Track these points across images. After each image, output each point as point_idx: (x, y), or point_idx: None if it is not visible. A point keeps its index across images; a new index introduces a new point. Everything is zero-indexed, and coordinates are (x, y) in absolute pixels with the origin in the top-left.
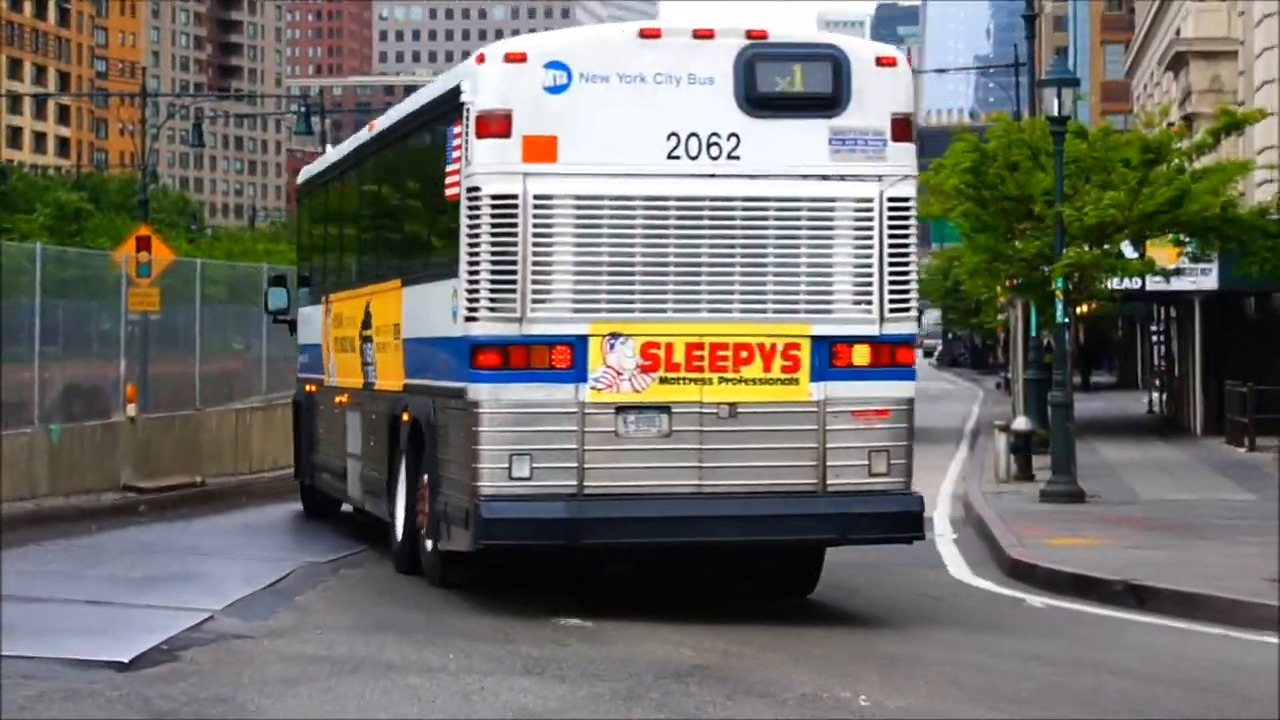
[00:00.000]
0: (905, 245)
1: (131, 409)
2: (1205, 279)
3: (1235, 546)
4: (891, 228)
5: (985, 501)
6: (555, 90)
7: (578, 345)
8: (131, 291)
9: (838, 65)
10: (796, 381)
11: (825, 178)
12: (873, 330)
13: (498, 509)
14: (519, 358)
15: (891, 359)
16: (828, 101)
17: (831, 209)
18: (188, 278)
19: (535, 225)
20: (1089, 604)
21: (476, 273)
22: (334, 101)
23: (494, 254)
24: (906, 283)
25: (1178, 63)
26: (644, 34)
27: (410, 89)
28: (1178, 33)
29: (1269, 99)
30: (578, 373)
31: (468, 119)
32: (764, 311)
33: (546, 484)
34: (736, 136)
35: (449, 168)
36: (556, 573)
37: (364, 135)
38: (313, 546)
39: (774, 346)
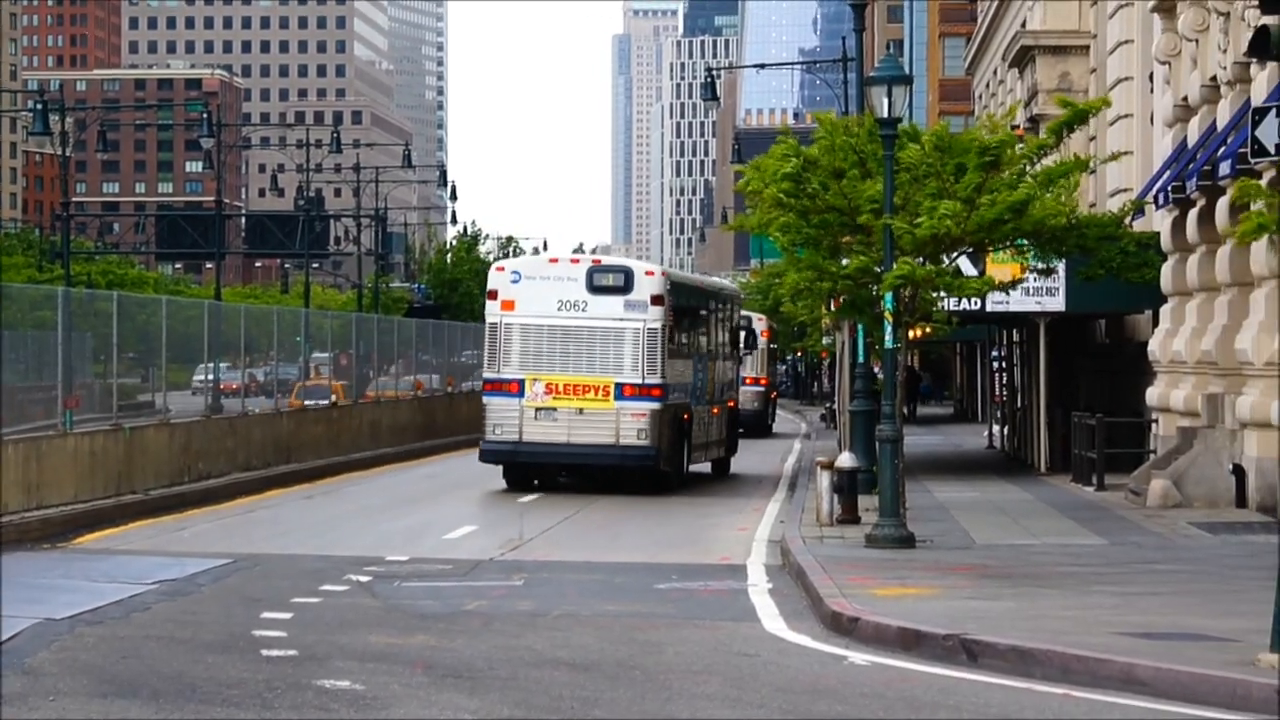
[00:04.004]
0: (655, 347)
1: None
2: (1052, 300)
3: (1081, 597)
4: (648, 341)
5: (805, 547)
6: (514, 281)
7: (520, 383)
8: None
9: (628, 274)
10: (609, 400)
11: (621, 319)
12: (639, 380)
13: (486, 446)
14: (497, 387)
15: (647, 393)
16: (623, 289)
17: (623, 332)
18: None
19: (505, 336)
20: (917, 661)
21: (485, 354)
22: (78, 97)
23: (490, 347)
24: (655, 361)
25: (1023, 58)
26: (551, 261)
27: (163, 83)
28: (1023, 25)
29: (1124, 99)
30: (520, 394)
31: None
32: (594, 371)
33: (505, 439)
34: (586, 303)
35: None
36: None
37: None
38: (49, 601)
39: (599, 386)
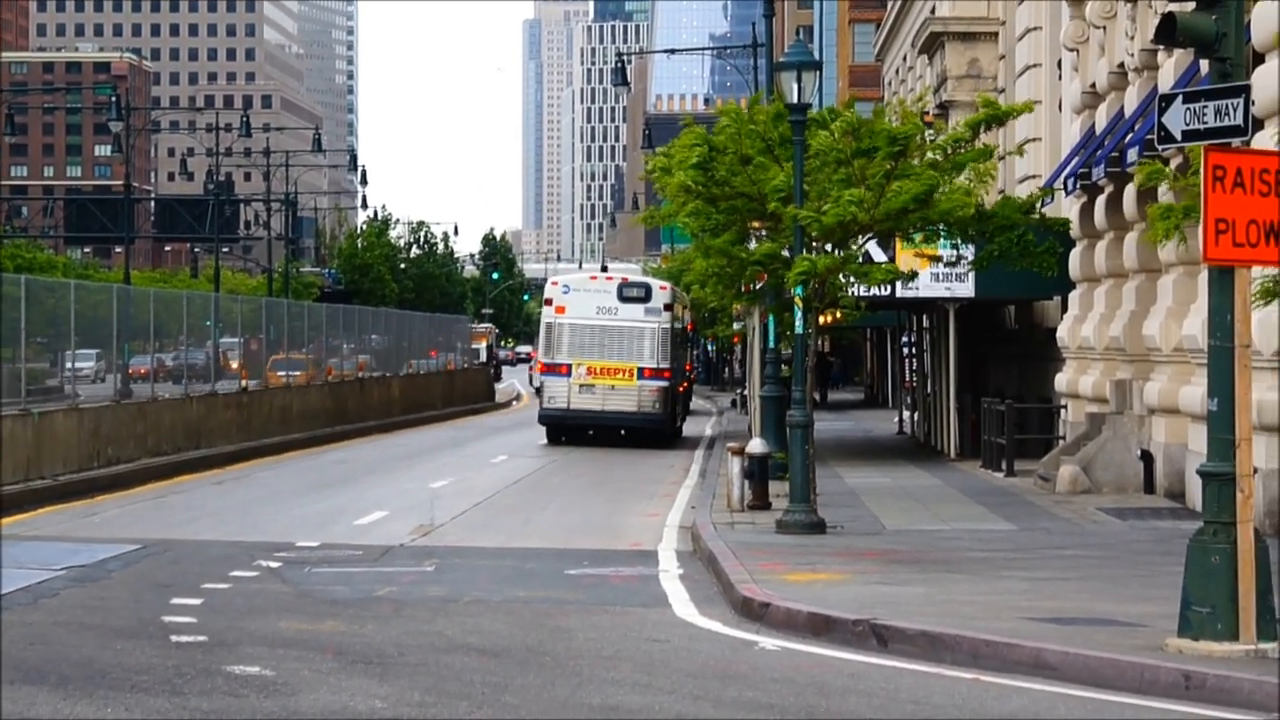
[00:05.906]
0: (666, 342)
1: None
2: (961, 286)
3: (991, 582)
4: (661, 337)
5: (716, 533)
6: (565, 292)
7: (569, 366)
8: None
9: (648, 288)
10: (632, 380)
11: (642, 321)
12: (655, 365)
13: (544, 411)
14: (551, 369)
15: (660, 374)
16: (644, 299)
17: (643, 330)
18: None
19: (556, 332)
20: (827, 646)
21: (541, 345)
22: None
23: (545, 340)
24: (666, 352)
25: (932, 45)
26: (591, 278)
27: (72, 66)
28: (933, 12)
29: (1032, 86)
30: (569, 374)
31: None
32: (622, 358)
33: (558, 406)
34: (617, 308)
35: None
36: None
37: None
38: None
39: (626, 369)
